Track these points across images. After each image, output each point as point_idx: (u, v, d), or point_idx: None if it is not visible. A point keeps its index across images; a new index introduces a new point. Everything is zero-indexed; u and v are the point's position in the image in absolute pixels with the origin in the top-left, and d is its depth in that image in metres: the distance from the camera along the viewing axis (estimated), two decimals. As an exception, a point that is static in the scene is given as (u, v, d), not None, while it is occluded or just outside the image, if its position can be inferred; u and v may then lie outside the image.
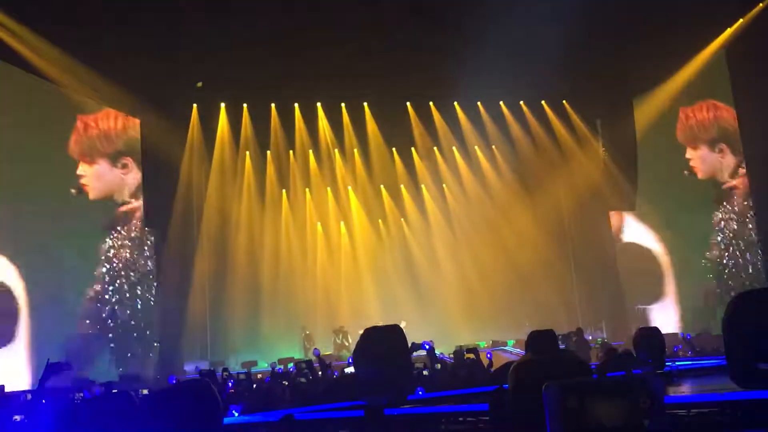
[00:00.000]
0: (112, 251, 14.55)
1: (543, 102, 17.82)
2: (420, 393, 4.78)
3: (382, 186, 18.72)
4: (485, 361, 8.35)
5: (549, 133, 17.90)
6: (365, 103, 17.35)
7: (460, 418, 3.05)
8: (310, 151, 17.87)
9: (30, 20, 12.04)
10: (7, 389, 9.08)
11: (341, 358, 14.88)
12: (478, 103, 17.55)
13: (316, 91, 16.51)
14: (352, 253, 18.66)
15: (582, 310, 18.09)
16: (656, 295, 16.94)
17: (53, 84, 13.09)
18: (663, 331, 5.14)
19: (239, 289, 16.62)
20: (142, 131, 15.21)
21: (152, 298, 15.06)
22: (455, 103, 17.55)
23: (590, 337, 14.51)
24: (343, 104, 17.37)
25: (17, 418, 4.14)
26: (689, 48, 15.32)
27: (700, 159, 16.32)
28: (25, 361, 12.07)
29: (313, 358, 9.89)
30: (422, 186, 18.94)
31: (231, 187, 17.13)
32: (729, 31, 14.81)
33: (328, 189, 18.55)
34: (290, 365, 11.96)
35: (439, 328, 15.98)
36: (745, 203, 15.38)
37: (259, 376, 10.53)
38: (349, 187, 18.68)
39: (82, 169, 14.20)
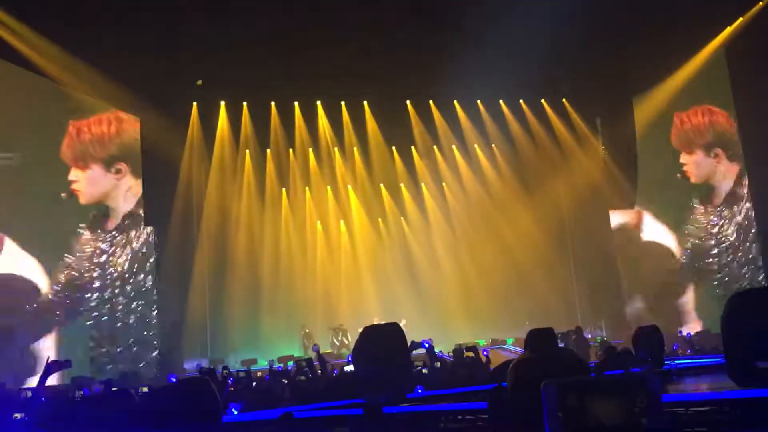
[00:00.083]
0: (111, 252, 14.57)
1: (543, 101, 17.82)
2: (419, 391, 4.79)
3: (381, 185, 18.72)
4: (483, 359, 8.36)
5: (549, 131, 17.90)
6: (365, 102, 17.35)
7: (459, 417, 3.06)
8: (310, 150, 17.86)
9: (30, 18, 12.05)
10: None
11: (341, 356, 14.89)
12: (478, 101, 17.55)
13: (316, 89, 16.51)
14: (351, 251, 18.67)
15: (581, 308, 18.11)
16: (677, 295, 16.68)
17: (53, 82, 13.09)
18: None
19: (239, 287, 16.62)
20: (142, 129, 15.21)
21: (152, 297, 15.07)
22: (455, 101, 17.55)
23: (590, 336, 14.52)
24: (343, 103, 17.37)
25: (17, 416, 4.14)
26: (689, 47, 15.32)
27: (694, 164, 16.33)
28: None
29: (313, 354, 9.90)
30: (422, 185, 18.94)
31: (231, 186, 17.12)
32: (728, 29, 14.81)
33: (328, 187, 18.55)
34: (290, 363, 11.98)
35: (439, 327, 16.00)
36: (746, 205, 15.38)
37: (259, 374, 10.52)
38: (349, 186, 18.68)
39: (74, 174, 14.20)
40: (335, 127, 17.62)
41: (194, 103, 16.21)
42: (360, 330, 3.35)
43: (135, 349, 14.52)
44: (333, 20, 13.51)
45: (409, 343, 4.18)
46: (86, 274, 14.20)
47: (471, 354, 7.95)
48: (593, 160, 18.14)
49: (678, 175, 16.48)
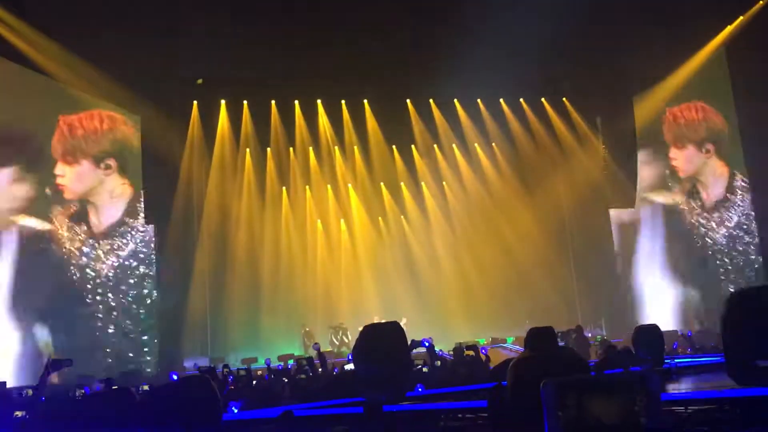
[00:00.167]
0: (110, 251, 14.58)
1: (543, 99, 17.80)
2: (419, 390, 4.79)
3: (382, 183, 18.72)
4: (482, 358, 8.35)
5: (549, 130, 17.89)
6: (365, 101, 17.33)
7: (459, 415, 3.06)
8: (311, 149, 17.85)
9: (29, 15, 12.03)
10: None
11: (341, 354, 14.89)
12: (479, 100, 17.54)
13: (316, 88, 16.50)
14: (352, 250, 18.66)
15: (581, 307, 18.10)
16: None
17: (51, 79, 13.09)
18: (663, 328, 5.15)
19: (239, 285, 16.62)
20: (143, 128, 15.21)
21: (153, 295, 15.08)
22: (455, 100, 17.54)
23: (590, 335, 14.51)
24: (343, 101, 17.35)
25: (18, 414, 4.14)
26: (689, 46, 15.31)
27: (684, 158, 16.36)
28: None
29: (313, 353, 9.90)
30: (422, 184, 18.93)
31: (231, 184, 17.11)
32: (729, 28, 14.81)
33: (328, 186, 18.54)
34: (290, 362, 11.99)
35: (439, 326, 16.01)
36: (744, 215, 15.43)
37: (260, 372, 10.53)
38: (349, 185, 18.67)
39: (60, 168, 14.19)
40: (335, 126, 17.61)
41: (195, 102, 16.20)
42: (360, 329, 3.36)
43: (135, 347, 14.52)
44: (333, 20, 13.50)
45: (409, 342, 4.18)
46: (86, 272, 14.20)
47: (471, 353, 7.94)
48: (593, 159, 18.12)
49: (666, 171, 16.51)
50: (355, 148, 18.06)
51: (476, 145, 18.54)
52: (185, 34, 12.91)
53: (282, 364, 12.39)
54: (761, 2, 14.04)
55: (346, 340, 16.59)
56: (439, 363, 7.34)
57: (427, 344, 7.28)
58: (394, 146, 18.25)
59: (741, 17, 14.50)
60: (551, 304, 17.09)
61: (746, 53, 14.17)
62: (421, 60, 14.75)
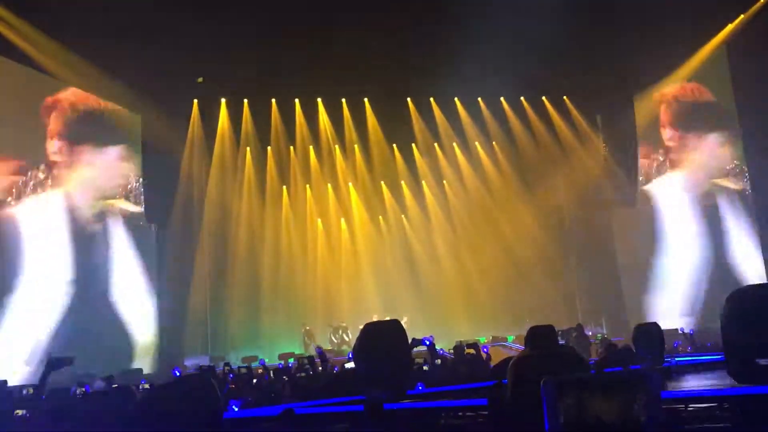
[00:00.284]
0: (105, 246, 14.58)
1: (544, 98, 17.80)
2: (420, 388, 4.79)
3: (382, 182, 18.74)
4: (483, 356, 8.36)
5: (549, 128, 17.89)
6: (366, 99, 17.34)
7: (460, 413, 3.07)
8: (311, 147, 17.87)
9: (29, 13, 12.03)
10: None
11: (341, 353, 14.91)
12: (479, 99, 17.54)
13: (316, 86, 16.49)
14: (352, 248, 18.69)
15: (582, 305, 18.12)
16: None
17: (53, 78, 13.09)
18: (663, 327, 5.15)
19: (240, 284, 16.65)
20: (143, 127, 15.22)
21: (153, 294, 15.09)
22: (456, 99, 17.54)
23: (590, 333, 14.52)
24: (343, 100, 17.36)
25: (19, 412, 4.15)
26: (690, 44, 15.30)
27: (680, 140, 16.37)
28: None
29: (314, 353, 9.91)
30: (423, 182, 18.95)
31: (231, 183, 17.14)
32: (730, 27, 14.79)
33: (329, 185, 18.56)
34: (291, 360, 12.00)
35: (440, 324, 16.05)
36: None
37: (260, 371, 10.55)
38: (350, 183, 18.69)
39: (57, 145, 14.02)
40: (336, 125, 17.62)
41: (195, 101, 16.22)
42: (360, 327, 3.36)
43: (136, 346, 14.53)
44: (333, 18, 13.49)
45: (410, 341, 4.19)
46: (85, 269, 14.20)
47: (472, 351, 7.95)
48: (594, 157, 18.13)
49: (660, 157, 16.52)
50: (356, 146, 18.07)
51: (477, 143, 18.55)
52: (186, 32, 12.90)
53: (282, 362, 12.41)
54: (762, 0, 14.02)
55: (347, 339, 16.61)
56: (439, 361, 7.35)
57: (427, 343, 7.28)
58: (394, 145, 18.27)
59: (742, 15, 14.49)
60: (551, 302, 17.12)
61: (748, 52, 14.15)
62: (422, 58, 14.74)
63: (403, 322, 3.47)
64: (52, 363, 4.55)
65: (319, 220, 18.59)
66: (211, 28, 12.96)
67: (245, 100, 16.69)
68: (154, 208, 15.28)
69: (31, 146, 13.14)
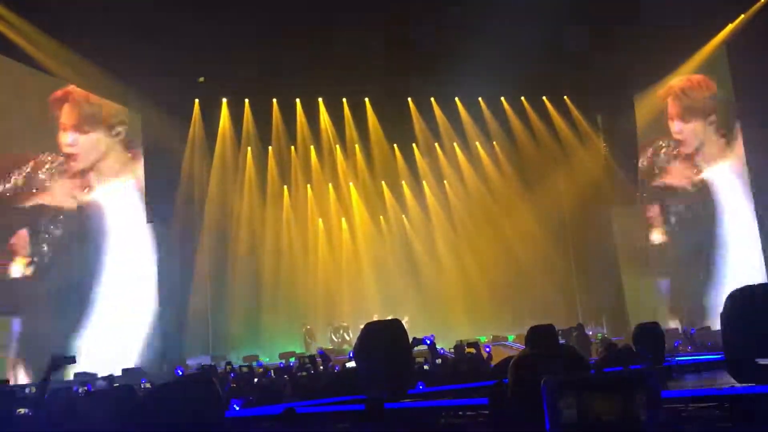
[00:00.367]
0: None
1: (544, 97, 17.79)
2: (420, 387, 4.81)
3: (383, 182, 18.74)
4: (484, 355, 8.37)
5: (550, 128, 17.88)
6: (367, 99, 17.34)
7: (460, 412, 3.07)
8: (312, 147, 17.86)
9: (29, 13, 12.04)
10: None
11: (342, 352, 14.92)
12: (480, 98, 17.53)
13: (317, 86, 16.49)
14: (353, 248, 18.69)
15: (582, 305, 18.12)
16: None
17: (52, 77, 13.10)
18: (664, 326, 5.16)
19: (240, 284, 16.66)
20: (144, 126, 15.23)
21: (154, 293, 15.10)
22: (456, 98, 17.53)
23: (591, 333, 14.52)
24: (344, 100, 17.36)
25: (21, 411, 4.16)
26: (691, 44, 15.30)
27: (691, 132, 16.36)
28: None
29: (316, 355, 9.92)
30: (423, 182, 18.95)
31: (232, 183, 17.14)
32: (730, 26, 14.79)
33: (330, 185, 18.56)
34: (291, 360, 12.01)
35: (440, 323, 16.04)
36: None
37: (261, 370, 10.57)
38: (351, 183, 18.69)
39: (71, 137, 14.07)
40: (337, 124, 17.62)
41: (196, 100, 16.22)
42: (361, 327, 3.37)
43: (137, 345, 14.54)
44: (334, 18, 13.50)
45: (410, 340, 4.20)
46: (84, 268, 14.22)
47: (472, 350, 7.95)
48: (594, 157, 18.13)
49: (663, 145, 16.53)
50: (357, 146, 18.07)
51: (477, 143, 18.54)
52: (186, 32, 12.91)
53: (283, 361, 12.42)
54: (762, 0, 14.02)
55: (347, 338, 16.62)
56: (440, 361, 7.35)
57: (428, 342, 7.29)
58: (395, 144, 18.27)
59: (742, 15, 14.49)
60: (552, 301, 17.12)
61: (748, 51, 14.15)
62: (423, 58, 14.75)
63: (403, 322, 3.48)
64: (55, 362, 4.56)
65: (320, 220, 18.60)
66: (212, 27, 12.97)
67: (246, 100, 16.69)
68: (155, 207, 15.29)
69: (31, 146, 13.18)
